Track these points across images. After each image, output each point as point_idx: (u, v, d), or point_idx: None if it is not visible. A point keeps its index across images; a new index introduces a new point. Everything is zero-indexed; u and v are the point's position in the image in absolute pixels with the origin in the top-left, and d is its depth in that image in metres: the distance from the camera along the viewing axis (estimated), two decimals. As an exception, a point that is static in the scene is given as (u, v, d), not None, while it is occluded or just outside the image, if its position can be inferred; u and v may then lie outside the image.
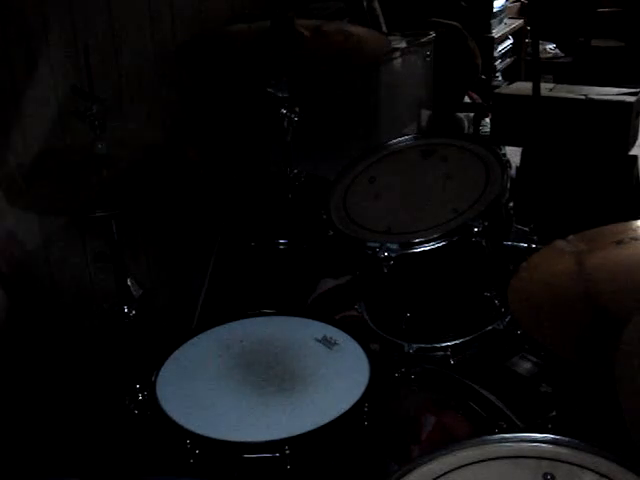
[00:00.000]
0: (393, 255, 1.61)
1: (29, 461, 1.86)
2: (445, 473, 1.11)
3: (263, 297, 2.05)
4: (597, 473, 1.07)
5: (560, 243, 1.45)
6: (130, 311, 1.84)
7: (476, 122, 3.72)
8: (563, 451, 1.12)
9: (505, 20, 4.47)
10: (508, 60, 4.57)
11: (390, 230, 1.69)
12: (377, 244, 1.63)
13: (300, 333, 1.60)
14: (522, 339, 1.74)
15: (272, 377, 1.46)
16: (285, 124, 2.12)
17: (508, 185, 1.68)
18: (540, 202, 2.64)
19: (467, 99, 3.89)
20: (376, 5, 3.14)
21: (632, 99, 2.67)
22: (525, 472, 1.09)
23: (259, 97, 2.19)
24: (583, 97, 2.74)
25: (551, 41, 5.16)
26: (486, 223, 1.60)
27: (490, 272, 1.70)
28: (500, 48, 4.38)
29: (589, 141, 2.70)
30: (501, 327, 1.70)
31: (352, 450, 1.40)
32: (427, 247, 1.61)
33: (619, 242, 1.39)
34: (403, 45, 2.80)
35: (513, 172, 2.62)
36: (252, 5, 2.77)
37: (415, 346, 1.71)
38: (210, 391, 1.44)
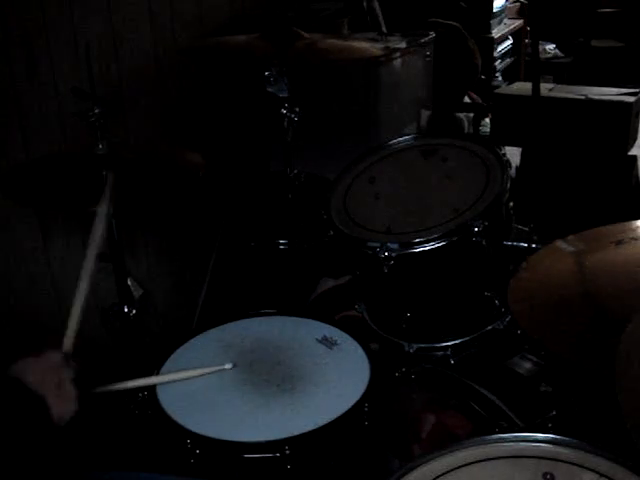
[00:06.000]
0: (393, 255, 1.61)
1: (30, 461, 1.86)
2: (445, 473, 1.11)
3: (263, 297, 2.05)
4: (597, 473, 1.07)
5: (560, 243, 1.45)
6: (130, 311, 1.85)
7: (476, 122, 3.72)
8: (563, 451, 1.13)
9: (505, 20, 4.48)
10: (508, 60, 4.58)
11: (390, 230, 1.69)
12: (377, 244, 1.63)
13: (300, 333, 1.60)
14: (522, 339, 1.74)
15: (272, 377, 1.46)
16: (285, 124, 2.12)
17: (508, 185, 1.68)
18: (540, 202, 2.64)
19: (467, 99, 3.90)
20: (376, 5, 3.15)
21: (632, 99, 2.67)
22: (525, 472, 1.09)
23: (259, 97, 2.19)
24: (583, 97, 2.74)
25: (551, 41, 5.16)
26: (486, 223, 1.60)
27: (490, 272, 1.70)
28: (500, 48, 4.39)
29: (589, 141, 2.70)
30: (501, 327, 1.70)
31: (352, 450, 1.40)
32: (427, 247, 1.61)
33: (619, 242, 1.39)
34: (403, 45, 2.80)
35: (513, 172, 2.62)
36: (252, 5, 2.77)
37: (415, 346, 1.71)
38: (210, 391, 1.44)
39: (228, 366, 1.46)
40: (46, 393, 1.09)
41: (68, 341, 1.25)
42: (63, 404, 1.11)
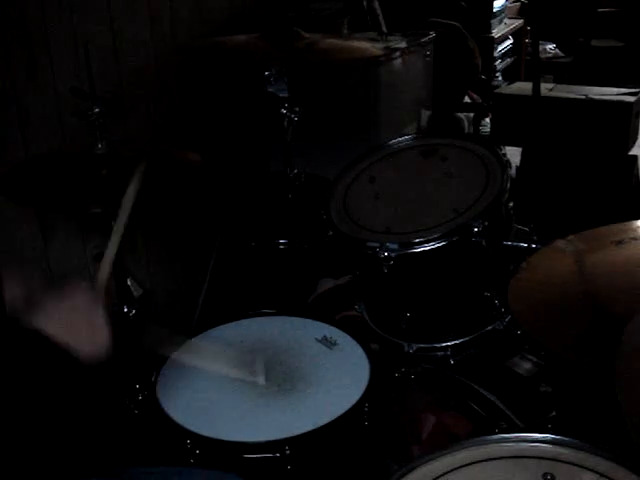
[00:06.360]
0: (393, 255, 1.61)
1: (29, 462, 1.86)
2: (445, 473, 1.11)
3: (263, 297, 2.05)
4: (597, 473, 1.07)
5: (560, 243, 1.45)
6: (130, 311, 1.85)
7: (476, 122, 3.72)
8: (563, 451, 1.12)
9: (505, 20, 4.48)
10: (508, 60, 4.58)
11: (390, 230, 1.69)
12: (377, 244, 1.63)
13: (300, 333, 1.60)
14: (522, 339, 1.74)
15: (272, 377, 1.46)
16: (285, 124, 2.12)
17: (508, 185, 1.68)
18: (540, 202, 2.64)
19: (467, 99, 3.90)
20: (376, 5, 3.15)
21: (632, 99, 2.67)
22: (525, 472, 1.09)
23: (259, 97, 2.19)
24: (583, 97, 2.74)
25: (551, 41, 5.16)
26: (486, 223, 1.60)
27: (490, 272, 1.70)
28: (500, 48, 4.39)
29: (589, 141, 2.70)
30: (501, 327, 1.70)
31: (352, 450, 1.40)
32: (427, 247, 1.61)
33: (619, 242, 1.39)
34: (403, 45, 2.80)
35: (513, 172, 2.63)
36: (252, 5, 2.77)
37: (415, 346, 1.71)
38: (210, 391, 1.44)
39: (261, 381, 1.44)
40: (74, 337, 0.99)
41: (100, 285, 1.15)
42: (95, 342, 1.02)
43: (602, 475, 1.07)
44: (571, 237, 1.45)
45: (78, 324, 1.02)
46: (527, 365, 1.77)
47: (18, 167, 1.79)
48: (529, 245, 1.70)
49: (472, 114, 3.75)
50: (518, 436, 1.17)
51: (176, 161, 1.81)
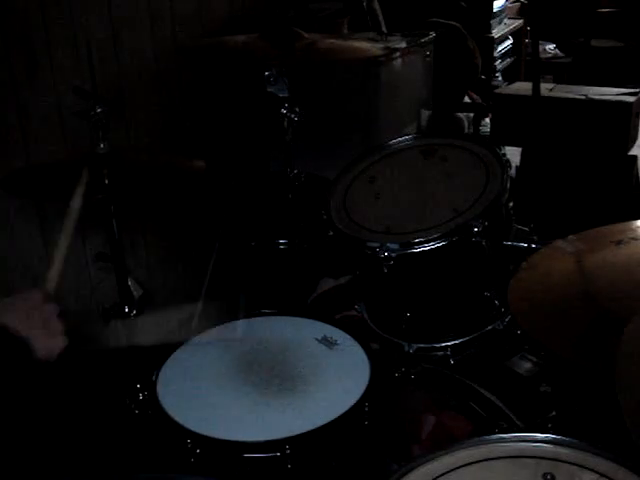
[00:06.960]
0: (393, 255, 1.61)
1: (30, 461, 1.86)
2: (445, 473, 1.11)
3: (263, 297, 2.05)
4: (597, 473, 1.07)
5: (560, 243, 1.45)
6: (130, 311, 1.85)
7: (476, 122, 3.72)
8: (563, 451, 1.12)
9: (505, 20, 4.48)
10: (508, 60, 4.58)
11: (390, 230, 1.69)
12: (377, 244, 1.63)
13: (300, 333, 1.60)
14: (522, 339, 1.74)
15: (272, 377, 1.46)
16: (285, 124, 2.12)
17: (508, 185, 1.68)
18: (540, 202, 2.64)
19: (467, 99, 3.90)
20: (376, 5, 3.15)
21: (632, 99, 2.67)
22: (525, 472, 1.09)
23: (259, 97, 2.19)
24: (583, 97, 2.74)
25: (551, 41, 5.16)
26: (486, 223, 1.60)
27: (490, 272, 1.70)
28: (500, 48, 4.39)
29: (589, 141, 2.70)
30: (501, 327, 1.70)
31: (352, 450, 1.40)
32: (427, 247, 1.61)
33: (619, 242, 1.39)
34: (403, 45, 2.80)
35: (513, 172, 2.63)
36: (252, 5, 2.77)
37: (415, 346, 1.71)
38: (211, 391, 1.44)
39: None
40: (32, 333, 1.06)
41: (50, 285, 1.22)
42: (52, 340, 1.09)
43: (602, 475, 1.07)
44: (571, 237, 1.45)
45: (37, 321, 1.08)
46: (527, 365, 1.77)
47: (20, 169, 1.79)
48: (529, 245, 1.70)
49: (472, 114, 3.75)
50: (518, 436, 1.17)
51: (180, 169, 1.80)
